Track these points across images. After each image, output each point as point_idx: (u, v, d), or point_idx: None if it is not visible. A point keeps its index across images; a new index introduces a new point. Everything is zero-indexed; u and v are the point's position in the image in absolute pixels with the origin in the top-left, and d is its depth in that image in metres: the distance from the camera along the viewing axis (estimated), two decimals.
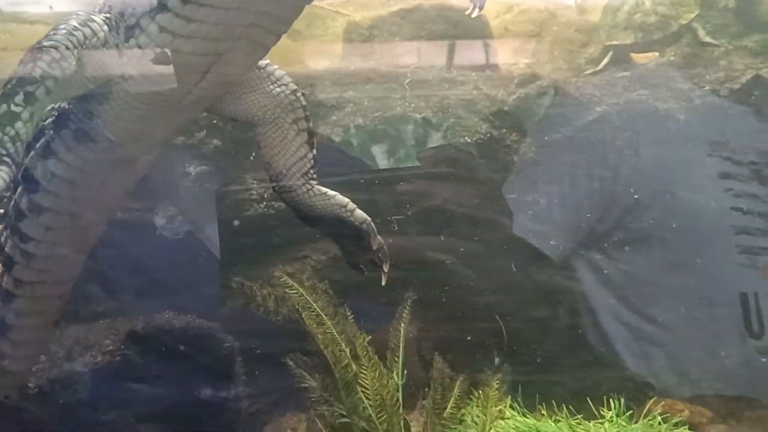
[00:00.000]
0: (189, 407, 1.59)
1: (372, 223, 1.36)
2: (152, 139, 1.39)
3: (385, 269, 1.36)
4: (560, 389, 1.79)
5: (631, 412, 1.49)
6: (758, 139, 2.18)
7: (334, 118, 2.00)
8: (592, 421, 1.50)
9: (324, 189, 1.36)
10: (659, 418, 1.45)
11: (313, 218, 1.38)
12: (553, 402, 1.66)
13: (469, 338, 1.99)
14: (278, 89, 1.35)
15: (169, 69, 1.30)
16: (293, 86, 1.37)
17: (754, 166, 2.17)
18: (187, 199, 1.99)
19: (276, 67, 1.36)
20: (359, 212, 1.36)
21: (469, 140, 1.98)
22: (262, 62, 1.33)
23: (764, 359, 2.08)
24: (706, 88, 2.09)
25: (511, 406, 1.63)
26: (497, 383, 1.52)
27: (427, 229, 1.98)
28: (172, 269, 1.93)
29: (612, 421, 1.47)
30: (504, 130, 2.00)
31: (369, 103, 2.01)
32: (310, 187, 1.34)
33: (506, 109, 2.04)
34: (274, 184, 1.37)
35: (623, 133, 2.06)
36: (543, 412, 1.59)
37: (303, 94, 1.91)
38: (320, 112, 2.03)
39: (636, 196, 2.07)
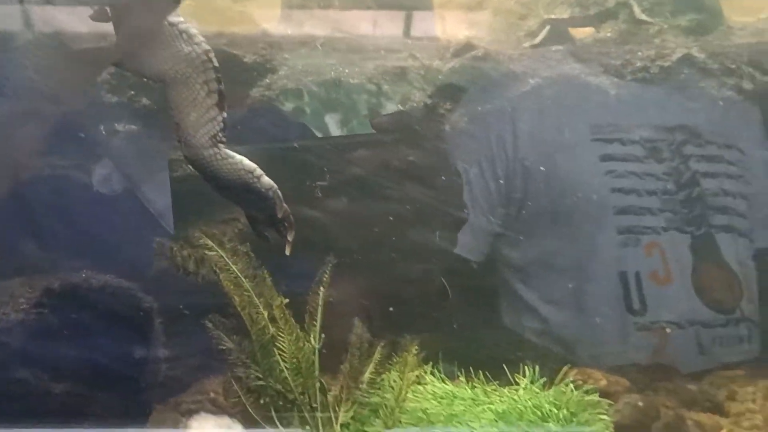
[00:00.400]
0: (106, 368, 1.56)
1: (278, 191, 1.35)
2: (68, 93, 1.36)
3: (290, 238, 1.36)
4: (481, 357, 1.82)
5: (544, 379, 1.51)
6: (667, 117, 2.23)
7: (267, 81, 1.98)
8: (507, 388, 1.51)
9: (231, 153, 1.34)
10: (571, 385, 1.46)
11: (219, 182, 1.36)
12: (471, 369, 1.67)
13: (397, 304, 2.02)
14: (189, 48, 1.31)
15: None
16: (206, 46, 1.33)
17: (651, 144, 2.22)
18: (119, 157, 1.95)
19: (189, 24, 1.32)
20: (266, 179, 1.34)
21: (402, 108, 1.97)
22: (175, 19, 1.29)
23: (668, 330, 2.14)
24: (638, 65, 2.11)
25: (431, 373, 1.64)
26: (416, 349, 1.52)
27: (370, 196, 1.98)
28: (97, 227, 1.90)
29: (526, 388, 1.48)
30: (437, 100, 2.00)
31: (303, 68, 1.99)
32: (217, 150, 1.31)
33: (440, 78, 2.03)
34: (181, 145, 1.34)
35: (552, 107, 2.08)
36: (462, 378, 1.60)
37: (235, 56, 1.88)
38: (253, 74, 2.00)
39: (543, 169, 2.11)
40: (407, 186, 1.95)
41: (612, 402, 1.80)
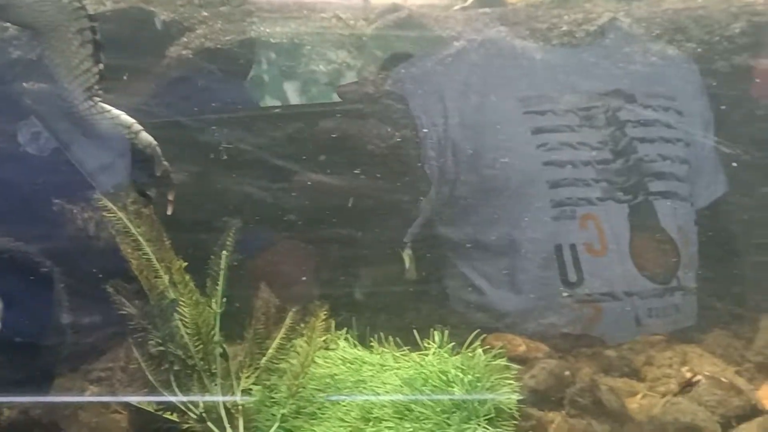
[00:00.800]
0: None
1: (157, 148, 1.31)
2: None
3: (171, 198, 1.32)
4: (398, 324, 1.80)
5: (453, 344, 1.49)
6: (599, 83, 2.20)
7: (185, 39, 1.91)
8: (418, 354, 1.49)
9: (108, 107, 1.28)
10: (480, 350, 1.45)
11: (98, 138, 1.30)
12: (391, 338, 1.65)
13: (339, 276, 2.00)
14: None
15: None
16: None
17: (584, 112, 2.19)
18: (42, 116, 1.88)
19: None
20: (145, 135, 1.30)
21: (324, 69, 1.92)
22: None
23: (577, 306, 2.14)
24: (564, 29, 2.08)
25: (345, 339, 1.61)
26: (324, 314, 1.50)
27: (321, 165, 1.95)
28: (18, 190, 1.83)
29: (435, 353, 1.47)
30: (360, 62, 1.95)
31: (222, 26, 1.93)
32: (92, 104, 1.26)
33: (364, 39, 1.98)
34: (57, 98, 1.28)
35: (479, 76, 2.05)
36: (373, 344, 1.58)
37: (152, 12, 1.81)
38: (171, 31, 1.93)
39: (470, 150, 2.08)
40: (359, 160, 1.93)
41: (522, 367, 1.82)
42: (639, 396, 1.76)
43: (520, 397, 1.44)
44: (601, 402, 1.66)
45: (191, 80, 1.96)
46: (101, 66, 1.26)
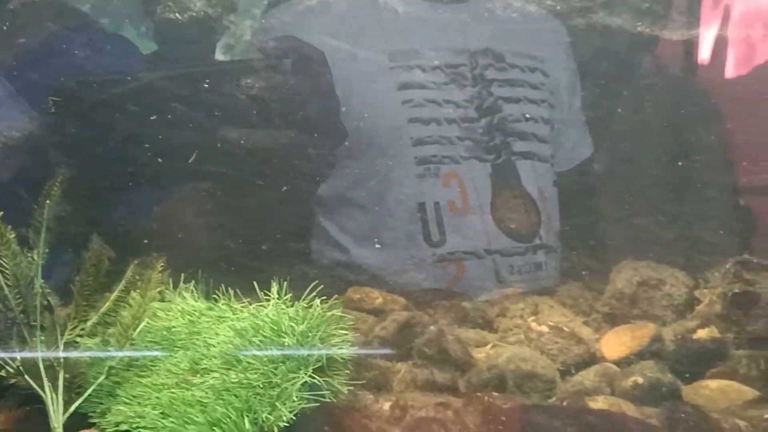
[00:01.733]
0: None
1: None
2: None
3: None
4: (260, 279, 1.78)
5: (290, 295, 1.47)
6: (469, 40, 2.21)
7: None
8: (256, 305, 1.47)
9: None
10: (317, 301, 1.44)
11: None
12: (241, 290, 1.62)
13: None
14: None
15: None
16: None
17: (452, 69, 2.19)
18: None
19: None
20: None
21: (181, 17, 1.86)
22: None
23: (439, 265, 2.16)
24: None
25: (191, 292, 1.58)
26: (162, 266, 1.46)
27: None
28: None
29: (274, 304, 1.45)
30: (220, 9, 1.89)
31: None
32: None
33: None
34: None
35: (344, 28, 2.02)
36: (216, 298, 1.55)
37: None
38: None
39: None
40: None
41: (376, 318, 1.84)
42: (489, 346, 1.80)
43: (355, 348, 1.44)
44: (447, 352, 1.69)
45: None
46: None
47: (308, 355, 1.34)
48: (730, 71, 2.59)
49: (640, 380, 1.55)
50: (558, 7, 2.21)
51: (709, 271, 1.92)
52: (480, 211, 2.24)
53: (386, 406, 1.45)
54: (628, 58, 2.34)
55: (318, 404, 1.29)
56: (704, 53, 2.60)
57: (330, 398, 1.33)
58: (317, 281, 1.97)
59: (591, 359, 1.71)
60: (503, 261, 2.26)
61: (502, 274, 2.25)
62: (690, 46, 2.34)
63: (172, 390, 1.29)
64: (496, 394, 1.48)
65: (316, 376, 1.31)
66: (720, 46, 2.49)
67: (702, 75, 2.60)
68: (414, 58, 2.19)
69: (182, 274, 1.60)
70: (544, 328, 1.76)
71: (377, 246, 2.17)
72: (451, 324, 1.87)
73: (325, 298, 1.47)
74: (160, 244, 1.91)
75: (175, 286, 1.57)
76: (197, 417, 1.21)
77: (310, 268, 2.13)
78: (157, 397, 1.29)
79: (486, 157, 2.26)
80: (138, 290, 1.43)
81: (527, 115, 2.33)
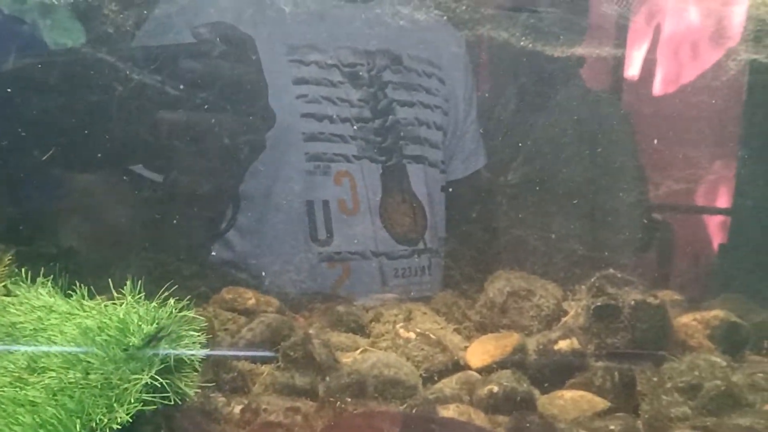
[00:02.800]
0: None
1: None
2: None
3: None
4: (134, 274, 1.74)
5: (144, 294, 1.44)
6: (368, 41, 2.20)
7: None
8: (109, 303, 1.43)
9: None
10: (172, 301, 1.40)
11: None
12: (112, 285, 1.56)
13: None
14: None
15: None
16: None
17: (349, 68, 2.19)
18: None
19: None
20: None
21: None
22: None
23: (325, 264, 2.16)
24: None
25: (44, 285, 1.52)
26: (9, 260, 1.40)
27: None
28: None
29: (127, 303, 1.41)
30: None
31: None
32: None
33: None
34: None
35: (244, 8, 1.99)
36: (74, 293, 1.49)
37: None
38: None
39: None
40: None
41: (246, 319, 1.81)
42: (358, 351, 1.79)
43: (206, 350, 1.41)
44: (312, 356, 1.67)
45: None
46: None
47: (153, 356, 1.30)
48: (656, 89, 2.67)
49: (495, 389, 1.57)
50: (445, 18, 2.23)
51: (578, 284, 1.97)
52: (369, 213, 2.24)
53: (237, 409, 1.43)
54: (515, 71, 2.38)
55: (157, 407, 1.25)
56: (631, 71, 2.68)
57: (175, 400, 1.30)
58: (194, 279, 1.95)
59: (455, 367, 1.72)
60: (389, 264, 2.27)
61: (387, 276, 2.26)
62: (578, 62, 2.40)
63: (4, 389, 1.24)
64: (349, 399, 1.47)
65: (159, 378, 1.28)
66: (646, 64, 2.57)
67: (602, 88, 2.68)
68: (313, 53, 2.17)
69: (42, 269, 1.55)
70: (412, 335, 1.77)
71: (262, 242, 2.14)
72: (324, 328, 1.86)
73: (191, 297, 1.44)
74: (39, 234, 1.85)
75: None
76: (24, 417, 1.16)
77: (190, 266, 2.09)
78: None
79: (378, 158, 2.26)
80: None
81: (420, 119, 2.34)
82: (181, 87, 1.86)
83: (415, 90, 2.34)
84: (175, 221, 2.06)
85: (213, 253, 2.14)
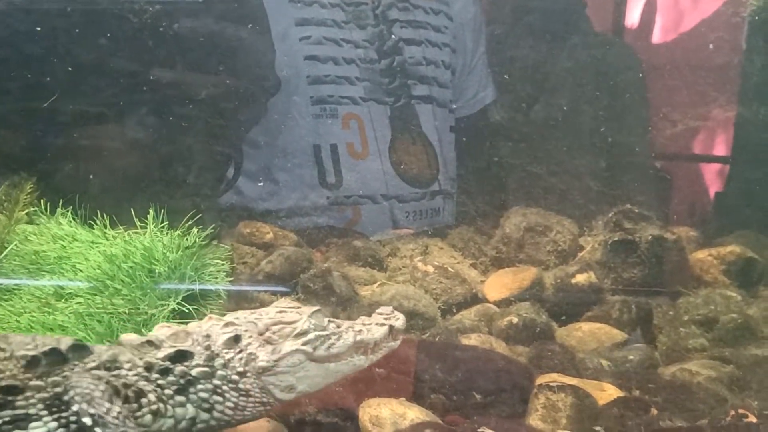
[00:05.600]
0: None
1: None
2: None
3: None
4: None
5: (166, 224, 1.41)
6: None
7: None
8: (132, 231, 1.41)
9: None
10: (196, 230, 1.38)
11: None
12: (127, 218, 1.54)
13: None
14: None
15: None
16: None
17: (353, 8, 2.12)
18: None
19: None
20: None
21: None
22: None
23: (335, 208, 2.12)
24: None
25: (63, 215, 1.49)
26: (31, 188, 1.38)
27: None
28: None
29: (151, 232, 1.39)
30: None
31: None
32: None
33: None
34: None
35: None
36: (95, 224, 1.47)
37: None
38: None
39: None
40: None
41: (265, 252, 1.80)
42: (376, 284, 1.78)
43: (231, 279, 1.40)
44: (332, 288, 1.67)
45: None
46: None
47: (179, 283, 1.29)
48: (657, 36, 2.62)
49: (515, 320, 1.57)
50: None
51: (595, 220, 1.95)
52: (379, 156, 2.19)
53: None
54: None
55: None
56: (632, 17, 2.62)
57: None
58: (207, 214, 1.93)
59: (473, 300, 1.71)
60: (400, 207, 2.22)
61: (398, 219, 2.23)
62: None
63: (33, 314, 1.23)
64: None
65: (186, 305, 1.27)
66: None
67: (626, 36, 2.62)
68: None
69: (60, 200, 1.52)
70: (430, 268, 1.75)
71: (260, 184, 2.10)
72: (341, 262, 1.84)
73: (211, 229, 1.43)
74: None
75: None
76: None
77: (203, 202, 2.06)
78: (17, 321, 1.22)
79: (386, 100, 2.19)
80: (4, 212, 1.35)
81: (429, 58, 2.28)
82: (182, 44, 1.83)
83: (423, 28, 2.24)
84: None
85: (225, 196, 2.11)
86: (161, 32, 1.81)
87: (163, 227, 1.39)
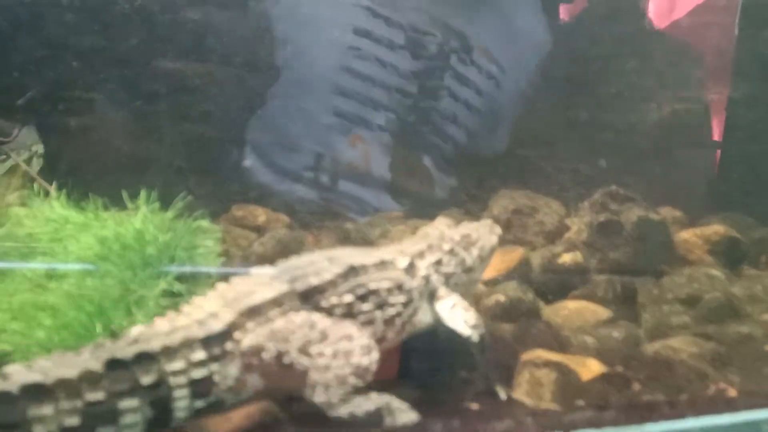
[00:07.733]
0: None
1: None
2: None
3: None
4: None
5: (158, 204, 1.41)
6: (459, 17, 2.06)
7: None
8: (125, 213, 1.41)
9: None
10: (186, 214, 1.38)
11: None
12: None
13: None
14: None
15: None
16: None
17: (419, 35, 2.04)
18: None
19: None
20: None
21: None
22: None
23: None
24: None
25: (59, 198, 1.49)
26: (23, 172, 1.37)
27: None
28: None
29: (143, 214, 1.38)
30: None
31: None
32: None
33: None
34: None
35: None
36: (85, 207, 1.47)
37: None
38: None
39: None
40: None
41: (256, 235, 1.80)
42: None
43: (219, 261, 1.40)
44: None
45: None
46: None
47: (169, 264, 1.29)
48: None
49: (502, 298, 1.57)
50: None
51: (581, 201, 1.95)
52: (376, 180, 2.15)
53: None
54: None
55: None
56: None
57: None
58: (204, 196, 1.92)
59: None
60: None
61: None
62: None
63: (25, 294, 1.23)
64: None
65: (177, 284, 1.27)
66: None
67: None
68: (387, 6, 1.97)
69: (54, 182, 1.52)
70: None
71: (247, 163, 2.07)
72: (333, 244, 1.85)
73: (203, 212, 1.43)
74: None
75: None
76: (46, 321, 1.15)
77: (204, 186, 2.06)
78: (9, 302, 1.22)
79: (399, 134, 2.10)
80: None
81: (458, 118, 2.15)
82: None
83: (469, 87, 2.12)
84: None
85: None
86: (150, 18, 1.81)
87: (154, 209, 1.39)
